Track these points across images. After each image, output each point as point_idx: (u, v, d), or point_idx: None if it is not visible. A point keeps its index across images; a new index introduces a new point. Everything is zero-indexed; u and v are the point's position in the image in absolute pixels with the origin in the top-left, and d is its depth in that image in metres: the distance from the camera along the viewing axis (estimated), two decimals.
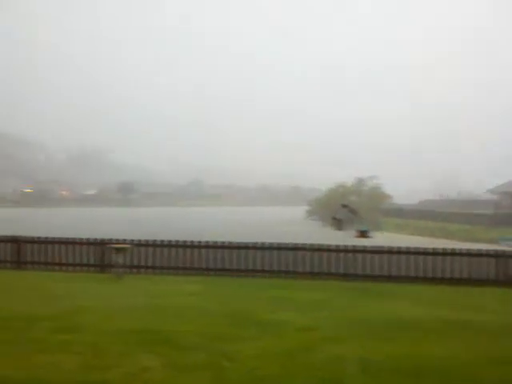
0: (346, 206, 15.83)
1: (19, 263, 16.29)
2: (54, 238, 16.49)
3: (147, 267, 15.68)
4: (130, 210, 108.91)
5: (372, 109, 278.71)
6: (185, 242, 15.80)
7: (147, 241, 15.91)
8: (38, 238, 16.56)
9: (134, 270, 15.54)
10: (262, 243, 15.49)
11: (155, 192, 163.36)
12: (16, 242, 16.46)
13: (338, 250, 15.10)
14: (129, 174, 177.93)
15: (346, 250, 15.05)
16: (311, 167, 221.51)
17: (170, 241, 15.88)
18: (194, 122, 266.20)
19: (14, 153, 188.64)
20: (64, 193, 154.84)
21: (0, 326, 8.34)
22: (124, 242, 15.74)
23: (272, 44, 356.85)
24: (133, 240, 15.87)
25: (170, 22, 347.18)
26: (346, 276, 14.83)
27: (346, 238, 14.74)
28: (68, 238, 16.38)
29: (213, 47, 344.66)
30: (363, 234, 16.25)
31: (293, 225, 63.65)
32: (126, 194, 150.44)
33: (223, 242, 15.63)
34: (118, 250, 14.89)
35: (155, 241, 15.89)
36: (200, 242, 15.79)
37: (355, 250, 15.03)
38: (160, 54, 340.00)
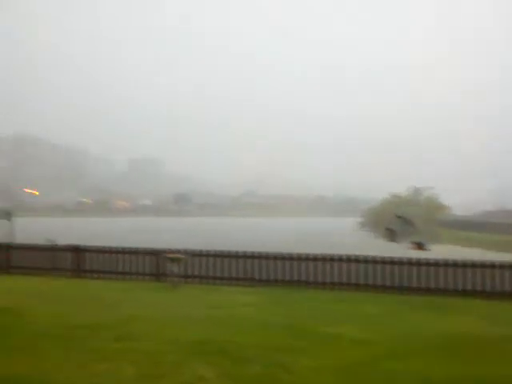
0: (400, 217, 15.45)
1: (79, 271, 16.74)
2: (111, 248, 16.86)
3: (202, 277, 15.80)
4: (184, 220, 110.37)
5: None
6: (238, 252, 15.84)
7: (201, 251, 16.05)
8: (96, 247, 16.98)
9: (189, 280, 15.70)
10: (315, 254, 15.33)
11: (209, 202, 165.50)
12: (76, 251, 16.93)
13: (393, 262, 14.78)
14: (183, 184, 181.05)
15: (401, 263, 14.71)
16: (365, 176, 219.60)
17: (224, 251, 15.96)
18: (247, 133, 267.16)
19: (72, 164, 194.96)
20: (121, 203, 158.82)
21: (62, 334, 8.57)
22: (179, 251, 15.93)
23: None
24: (187, 250, 16.04)
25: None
26: (401, 289, 14.49)
27: (400, 249, 14.37)
28: (125, 248, 16.72)
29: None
30: (420, 246, 15.81)
31: (346, 236, 62.81)
32: (180, 204, 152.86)
33: (276, 253, 15.57)
34: (173, 259, 15.09)
35: (209, 251, 16.01)
36: (254, 252, 15.78)
37: (411, 263, 14.66)
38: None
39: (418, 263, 14.56)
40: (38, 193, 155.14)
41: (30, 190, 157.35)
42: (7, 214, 17.72)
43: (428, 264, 14.51)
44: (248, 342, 8.18)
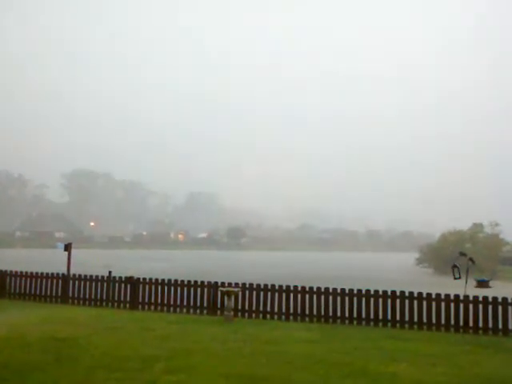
0: (464, 254, 14.95)
1: (134, 303, 16.86)
2: (163, 280, 16.91)
3: (255, 311, 15.59)
4: (239, 254, 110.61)
5: None
6: (291, 287, 15.57)
7: (257, 285, 15.85)
8: (150, 279, 17.08)
9: (245, 314, 15.53)
10: (375, 291, 14.84)
11: (264, 236, 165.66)
12: (131, 282, 17.08)
13: (449, 299, 14.15)
14: (238, 216, 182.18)
15: (458, 300, 14.07)
16: (422, 212, 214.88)
17: (277, 285, 15.73)
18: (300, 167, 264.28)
19: (132, 198, 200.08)
20: (177, 236, 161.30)
21: (115, 366, 8.56)
22: (235, 285, 15.81)
23: None
24: (244, 283, 15.87)
25: None
26: (458, 328, 13.85)
27: (461, 287, 13.83)
28: (179, 281, 16.74)
29: None
30: (482, 283, 15.20)
31: (403, 272, 61.35)
32: (235, 238, 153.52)
33: (334, 289, 15.19)
34: (228, 293, 14.97)
35: (266, 285, 15.79)
36: (307, 287, 15.47)
37: (468, 301, 14.01)
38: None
39: (477, 301, 13.89)
40: (97, 225, 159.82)
41: (92, 223, 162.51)
42: (67, 246, 18.11)
43: (486, 302, 13.80)
44: (304, 380, 7.92)
